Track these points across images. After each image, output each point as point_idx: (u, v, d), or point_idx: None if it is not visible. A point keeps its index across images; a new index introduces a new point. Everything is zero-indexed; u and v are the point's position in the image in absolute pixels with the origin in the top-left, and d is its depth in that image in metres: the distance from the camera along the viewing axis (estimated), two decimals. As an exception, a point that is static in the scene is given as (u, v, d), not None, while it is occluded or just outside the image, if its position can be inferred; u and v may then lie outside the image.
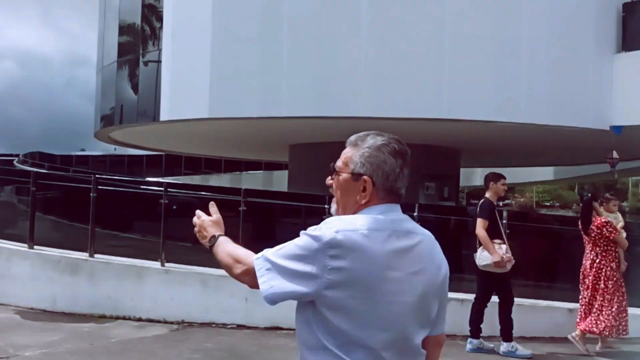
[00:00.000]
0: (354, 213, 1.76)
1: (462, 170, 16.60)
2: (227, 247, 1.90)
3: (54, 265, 8.18)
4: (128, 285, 7.78)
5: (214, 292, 7.58)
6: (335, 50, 10.90)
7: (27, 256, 8.36)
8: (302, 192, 14.48)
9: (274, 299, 1.70)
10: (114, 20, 15.10)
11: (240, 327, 7.37)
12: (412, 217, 1.92)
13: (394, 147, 1.78)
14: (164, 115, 12.86)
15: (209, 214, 2.04)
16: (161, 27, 13.05)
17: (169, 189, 7.95)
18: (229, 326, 7.39)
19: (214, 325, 7.41)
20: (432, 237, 1.82)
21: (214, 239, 1.95)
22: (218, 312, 7.53)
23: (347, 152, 1.82)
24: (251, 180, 28.17)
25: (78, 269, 8.04)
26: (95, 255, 8.08)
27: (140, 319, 7.64)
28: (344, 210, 1.80)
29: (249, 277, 1.77)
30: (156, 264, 7.81)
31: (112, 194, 8.81)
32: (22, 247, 8.49)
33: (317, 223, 1.73)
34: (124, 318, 7.69)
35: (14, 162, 16.70)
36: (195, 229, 2.04)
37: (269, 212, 8.49)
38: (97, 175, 8.37)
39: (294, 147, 16.30)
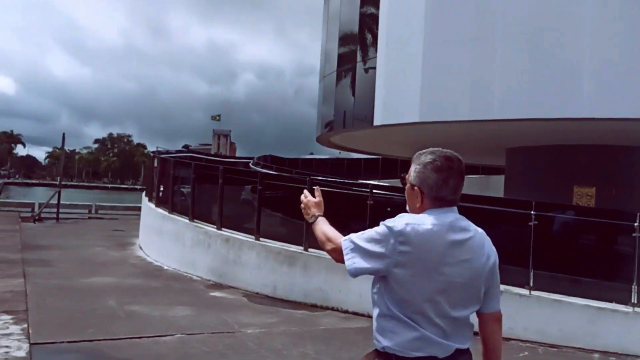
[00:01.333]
0: (418, 213, 2.19)
1: None
2: (323, 227, 2.40)
3: (275, 256, 9.14)
4: (336, 279, 8.35)
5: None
6: (553, 49, 10.32)
7: (254, 247, 9.47)
8: (509, 197, 13.93)
9: (355, 273, 2.16)
10: (334, 30, 16.19)
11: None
12: None
13: (438, 164, 2.19)
14: (377, 120, 13.45)
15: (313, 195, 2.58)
16: (377, 35, 13.65)
17: (374, 191, 8.33)
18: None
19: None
20: (484, 233, 2.25)
21: (314, 217, 2.48)
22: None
23: (411, 166, 2.27)
24: (466, 184, 27.50)
25: (295, 261, 8.87)
26: (310, 250, 8.83)
27: (346, 311, 8.17)
28: (410, 210, 2.25)
29: (337, 254, 2.25)
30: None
31: (324, 194, 9.53)
32: (250, 238, 9.64)
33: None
34: (332, 309, 8.29)
35: (250, 164, 18.82)
36: (301, 205, 2.55)
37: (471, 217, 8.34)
38: (312, 177, 9.12)
39: (512, 150, 15.69)
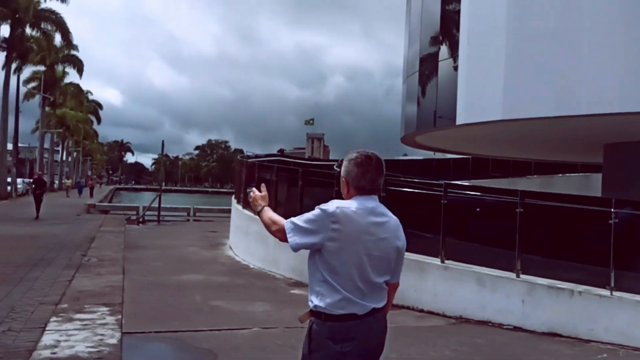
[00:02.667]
0: (347, 200, 2.79)
1: None
2: (269, 213, 2.92)
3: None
4: (411, 278, 8.41)
5: (489, 292, 7.68)
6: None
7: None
8: (588, 195, 13.24)
9: (296, 248, 2.70)
10: (416, 29, 16.15)
11: (516, 329, 7.32)
12: None
13: (358, 160, 2.79)
14: (460, 119, 13.30)
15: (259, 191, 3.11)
16: (459, 31, 13.50)
17: (448, 190, 8.32)
18: (504, 326, 7.41)
19: (490, 324, 7.52)
20: (398, 220, 2.85)
21: (261, 207, 2.99)
22: (494, 312, 7.61)
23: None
24: (565, 183, 26.36)
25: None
26: (385, 249, 8.95)
27: (422, 310, 8.22)
28: (344, 197, 2.82)
29: (281, 234, 2.76)
30: (436, 260, 8.28)
31: (404, 194, 9.64)
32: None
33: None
34: (408, 308, 8.37)
35: (334, 166, 19.10)
36: (250, 200, 3.08)
37: (550, 216, 8.13)
38: (390, 178, 9.23)
39: (610, 146, 14.95)
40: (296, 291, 9.48)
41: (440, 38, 14.85)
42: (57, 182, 66.05)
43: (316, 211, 2.69)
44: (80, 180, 58.68)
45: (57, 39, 44.77)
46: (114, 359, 5.35)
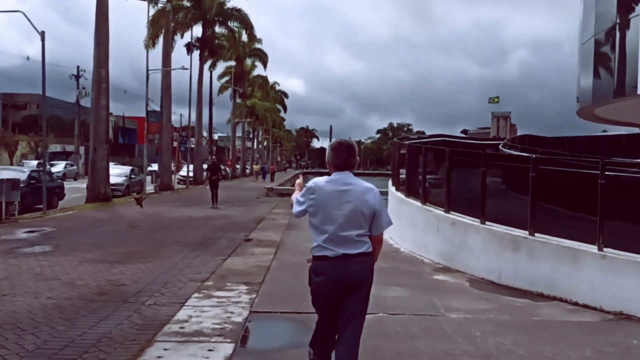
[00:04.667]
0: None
1: None
2: (293, 195, 4.04)
3: (499, 240, 8.68)
4: (565, 267, 7.56)
5: (657, 285, 6.59)
6: None
7: (479, 230, 9.13)
8: None
9: (295, 214, 3.93)
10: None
11: (691, 331, 6.19)
12: None
13: (333, 145, 3.88)
14: (641, 88, 11.61)
15: None
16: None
17: (606, 167, 7.25)
18: (676, 327, 6.31)
19: (656, 324, 6.47)
20: (367, 187, 3.78)
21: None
22: (662, 309, 6.52)
23: None
24: None
25: (519, 246, 8.29)
26: (536, 235, 8.16)
27: (576, 304, 7.34)
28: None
29: (291, 207, 3.99)
30: (593, 248, 7.31)
31: (558, 173, 8.70)
32: (475, 222, 9.32)
33: None
34: (560, 300, 7.54)
35: (499, 146, 17.95)
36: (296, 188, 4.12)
37: None
38: (536, 156, 8.38)
39: None
40: (440, 277, 9.10)
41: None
42: (248, 167, 71.62)
43: (305, 188, 3.86)
44: (264, 166, 62.93)
45: (243, 35, 48.29)
46: (233, 336, 5.59)
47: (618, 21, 13.05)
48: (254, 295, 7.31)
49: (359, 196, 3.66)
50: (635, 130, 24.64)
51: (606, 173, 7.25)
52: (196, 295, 7.23)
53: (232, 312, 6.45)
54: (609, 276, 7.05)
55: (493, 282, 8.64)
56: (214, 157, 28.22)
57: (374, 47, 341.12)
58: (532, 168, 8.14)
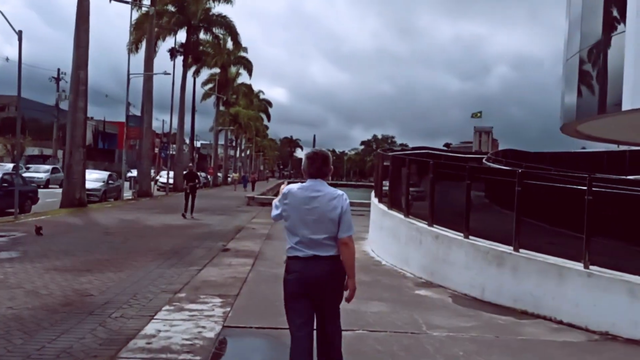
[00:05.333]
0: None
1: None
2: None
3: (483, 255, 8.46)
4: (550, 284, 7.35)
5: (644, 305, 6.40)
6: None
7: (462, 245, 8.90)
8: None
9: (274, 218, 4.17)
10: (577, 5, 14.36)
11: (678, 353, 5.99)
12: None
13: (308, 155, 4.11)
14: (626, 104, 11.53)
15: None
16: (625, 4, 11.71)
17: (593, 184, 7.06)
18: (662, 349, 6.11)
19: (643, 345, 6.27)
20: (335, 194, 3.96)
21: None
22: (649, 330, 6.32)
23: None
24: None
25: (503, 262, 8.08)
26: (520, 250, 7.95)
27: (561, 322, 7.12)
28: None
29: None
30: (578, 265, 7.12)
31: (542, 188, 8.51)
32: (459, 236, 9.09)
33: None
34: (544, 318, 7.32)
35: (483, 160, 17.84)
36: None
37: None
38: (522, 170, 8.19)
39: None
40: (422, 292, 8.84)
41: (603, 12, 13.01)
42: (231, 176, 71.01)
43: (281, 194, 4.07)
44: (245, 175, 62.28)
45: (229, 43, 47.95)
46: (203, 354, 5.26)
47: (602, 38, 13.01)
48: (228, 309, 6.98)
49: (327, 202, 3.89)
50: (613, 147, 24.82)
51: (593, 189, 7.07)
52: (167, 307, 6.88)
53: (203, 327, 6.12)
54: (595, 294, 6.85)
55: (476, 298, 8.41)
56: (190, 164, 27.37)
57: (358, 59, 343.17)
58: (518, 182, 7.94)
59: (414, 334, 6.40)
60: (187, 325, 6.13)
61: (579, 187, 7.15)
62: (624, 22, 11.73)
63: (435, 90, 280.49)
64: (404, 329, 6.57)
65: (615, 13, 12.63)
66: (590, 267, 7.01)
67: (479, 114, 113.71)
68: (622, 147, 26.51)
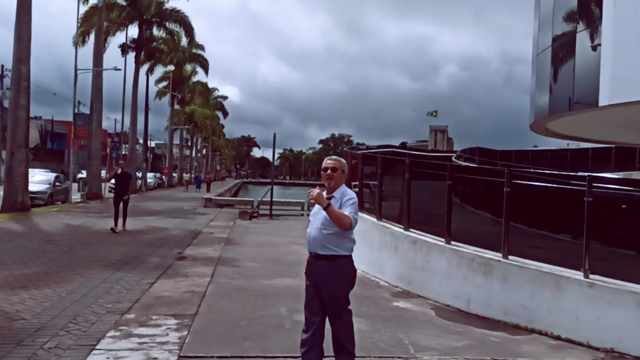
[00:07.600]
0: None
1: None
2: (336, 210, 4.33)
3: (468, 263, 7.73)
4: (545, 295, 6.66)
5: (655, 319, 5.75)
6: None
7: (444, 251, 8.16)
8: None
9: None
10: (549, 7, 13.89)
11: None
12: None
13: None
14: (603, 100, 11.04)
15: None
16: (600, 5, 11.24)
17: (593, 185, 6.39)
18: (677, 368, 5.47)
19: (654, 363, 5.61)
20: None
21: (327, 203, 4.31)
22: (661, 347, 5.68)
23: (338, 162, 4.68)
24: None
25: (491, 270, 7.36)
26: (510, 257, 7.24)
27: (559, 337, 6.44)
28: (338, 186, 4.64)
29: (349, 225, 4.35)
30: (578, 274, 6.44)
31: (532, 189, 7.82)
32: (440, 241, 8.35)
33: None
34: (540, 332, 6.63)
35: (452, 157, 17.29)
36: (310, 199, 4.33)
37: None
38: (512, 169, 7.48)
39: None
40: (401, 303, 8.05)
41: (578, 5, 12.55)
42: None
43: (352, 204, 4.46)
44: (198, 175, 60.25)
45: (183, 39, 46.37)
46: (154, 396, 4.29)
47: (574, 32, 12.54)
48: (185, 333, 6.00)
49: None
50: (572, 144, 24.83)
51: (593, 190, 6.40)
52: (112, 333, 5.84)
53: (155, 359, 5.13)
54: (598, 307, 6.18)
55: (461, 309, 7.67)
56: (121, 161, 21.23)
57: (309, 57, 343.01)
58: (507, 183, 7.22)
59: (402, 359, 5.57)
60: (136, 357, 5.13)
61: (579, 187, 6.47)
62: (601, 16, 11.26)
63: (387, 89, 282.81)
64: (389, 352, 5.74)
65: (590, 7, 12.18)
66: (591, 276, 6.34)
67: (434, 113, 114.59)
68: (572, 145, 26.67)
